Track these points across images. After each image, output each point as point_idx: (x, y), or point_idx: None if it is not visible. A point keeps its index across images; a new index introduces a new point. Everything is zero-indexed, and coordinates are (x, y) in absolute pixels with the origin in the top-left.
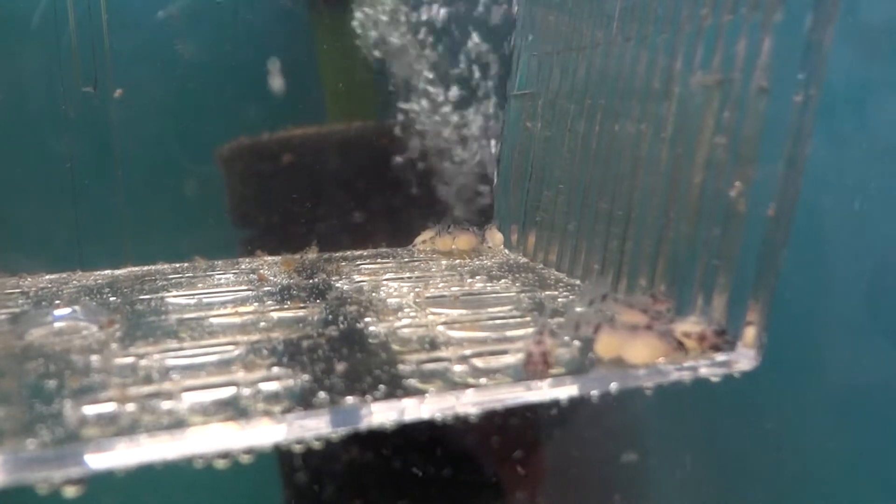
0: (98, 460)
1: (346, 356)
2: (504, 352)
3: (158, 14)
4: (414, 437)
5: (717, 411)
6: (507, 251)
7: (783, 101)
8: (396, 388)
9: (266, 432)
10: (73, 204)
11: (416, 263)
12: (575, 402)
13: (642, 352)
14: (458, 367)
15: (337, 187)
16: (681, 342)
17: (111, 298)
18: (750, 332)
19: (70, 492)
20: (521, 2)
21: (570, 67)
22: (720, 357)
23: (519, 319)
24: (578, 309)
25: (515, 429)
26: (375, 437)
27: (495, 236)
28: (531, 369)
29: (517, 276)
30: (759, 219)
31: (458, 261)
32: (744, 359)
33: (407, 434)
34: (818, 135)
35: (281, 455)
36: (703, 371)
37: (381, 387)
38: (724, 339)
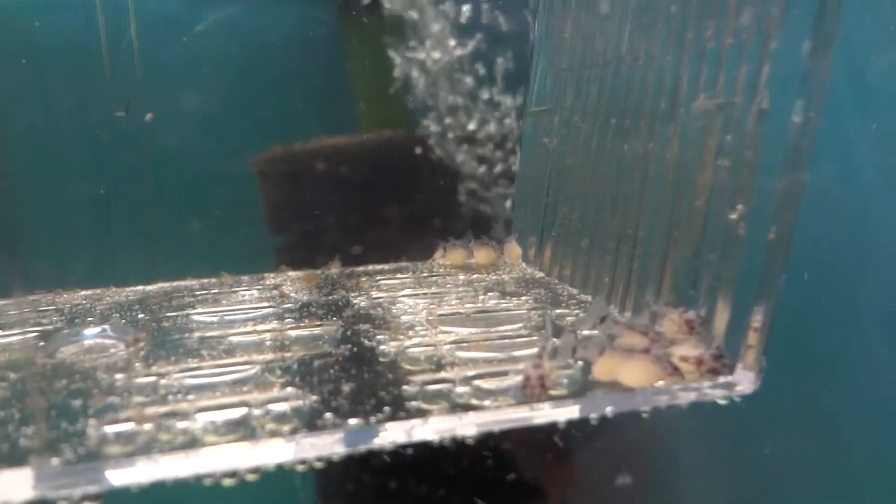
0: (117, 477)
1: (353, 376)
2: (507, 373)
3: (196, 28)
4: (423, 457)
5: (717, 434)
6: (524, 266)
7: (783, 124)
8: (399, 410)
9: (273, 452)
10: (108, 221)
11: (434, 279)
12: (572, 425)
13: (637, 375)
14: (460, 389)
15: (359, 198)
16: (676, 366)
17: (140, 315)
18: (749, 356)
19: None
20: (537, 18)
21: (583, 85)
22: (719, 381)
23: (527, 339)
24: (576, 332)
25: (510, 452)
26: (383, 457)
27: (513, 251)
28: (528, 392)
29: (531, 291)
30: (759, 243)
31: (475, 276)
32: (743, 382)
33: (416, 454)
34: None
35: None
36: (701, 395)
37: (386, 409)
38: (723, 362)
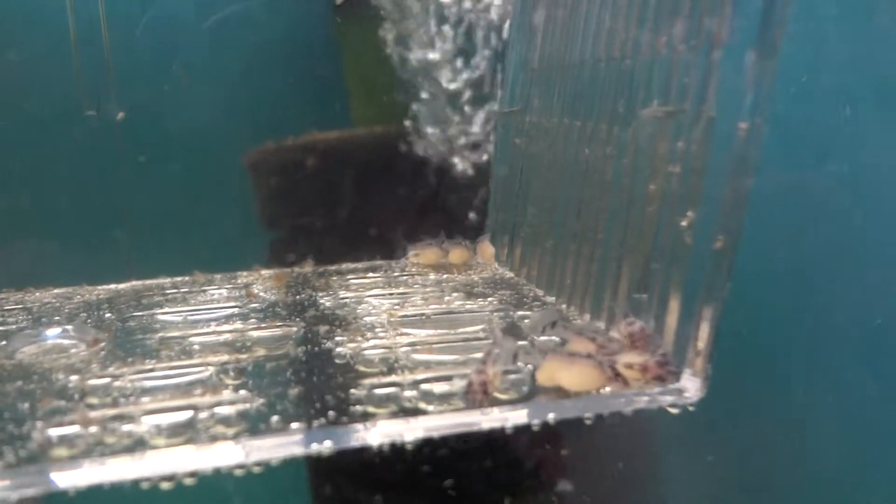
0: (57, 479)
1: (304, 379)
2: (453, 378)
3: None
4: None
5: (662, 443)
6: (496, 266)
7: (730, 132)
8: (342, 415)
9: (214, 456)
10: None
11: (405, 278)
12: (517, 431)
13: (576, 380)
14: (408, 393)
15: (344, 194)
16: (618, 372)
17: (107, 315)
18: (697, 363)
19: None
20: (513, 18)
21: (551, 86)
22: (663, 388)
23: (485, 342)
24: (522, 338)
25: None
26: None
27: (486, 250)
28: (470, 398)
29: (498, 292)
30: (706, 250)
31: (445, 275)
32: (688, 390)
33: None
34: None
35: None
36: (649, 402)
37: (330, 413)
38: (668, 369)
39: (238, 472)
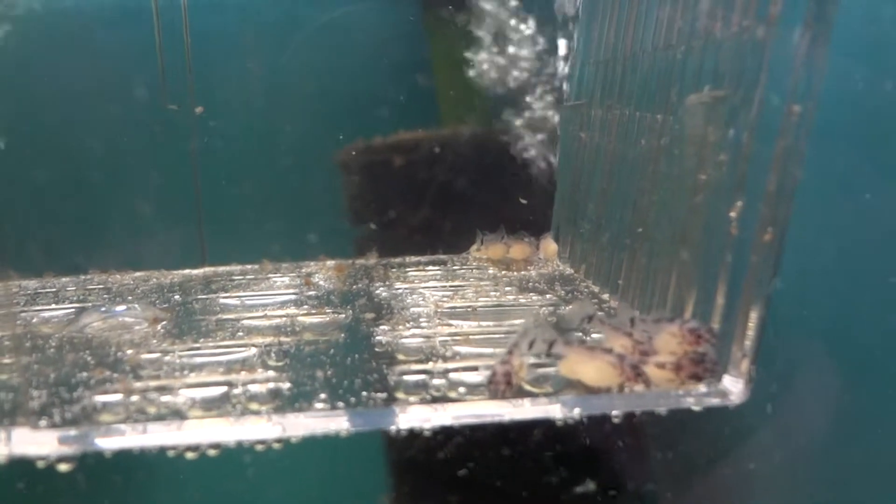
0: (97, 441)
1: (337, 363)
2: (479, 367)
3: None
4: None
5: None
6: (558, 262)
7: (778, 120)
8: (368, 399)
9: (239, 429)
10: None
11: (463, 272)
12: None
13: (593, 375)
14: (436, 381)
15: (428, 192)
16: (639, 371)
17: (175, 297)
18: (741, 364)
19: (63, 468)
20: (580, 10)
21: (612, 78)
22: (704, 389)
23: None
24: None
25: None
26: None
27: (549, 247)
28: (493, 388)
29: (553, 288)
30: (752, 243)
31: (503, 271)
32: (731, 392)
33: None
34: None
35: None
36: (683, 402)
37: (355, 396)
38: (704, 367)
39: (262, 447)
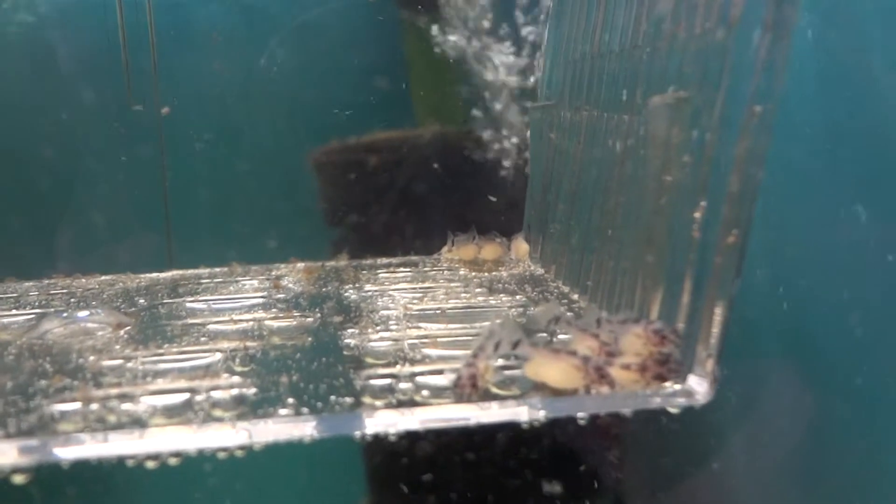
0: (62, 452)
1: (302, 368)
2: (444, 371)
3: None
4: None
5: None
6: (529, 263)
7: (742, 119)
8: (335, 404)
9: (202, 437)
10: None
11: (434, 273)
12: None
13: (556, 377)
14: (403, 385)
15: (401, 192)
16: (603, 374)
17: (140, 301)
18: (706, 364)
19: (18, 479)
20: (550, 11)
21: (580, 78)
22: (668, 388)
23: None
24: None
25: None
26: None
27: (520, 247)
28: (459, 391)
29: (524, 289)
30: (716, 245)
31: (473, 273)
32: (697, 392)
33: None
34: None
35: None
36: (648, 403)
37: (320, 402)
38: (669, 367)
39: (228, 455)
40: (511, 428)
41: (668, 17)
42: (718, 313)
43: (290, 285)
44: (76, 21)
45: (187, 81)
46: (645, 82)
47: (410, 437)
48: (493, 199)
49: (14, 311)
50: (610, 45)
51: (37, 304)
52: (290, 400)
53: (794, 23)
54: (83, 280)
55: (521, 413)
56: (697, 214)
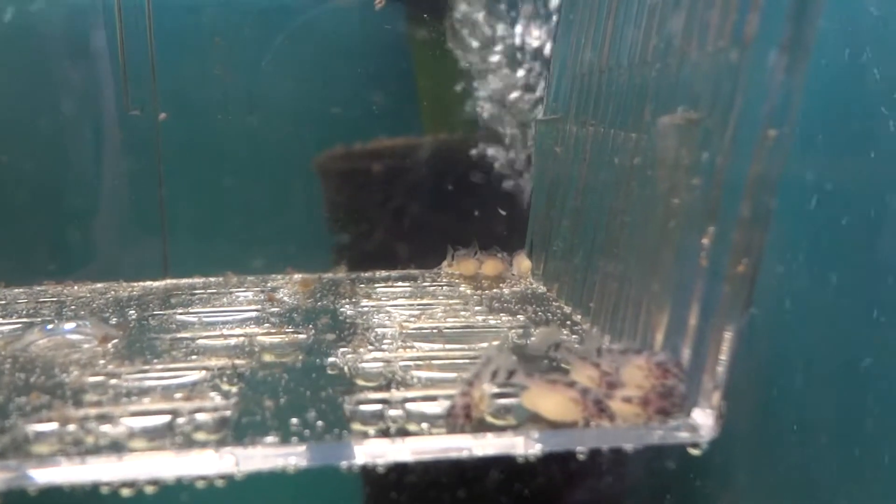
0: (26, 475)
1: (292, 390)
2: (438, 398)
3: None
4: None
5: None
6: (531, 280)
7: (752, 143)
8: (325, 432)
9: (181, 463)
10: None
11: (433, 289)
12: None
13: (553, 409)
14: (393, 412)
15: (404, 201)
16: (602, 407)
17: (130, 312)
18: (711, 397)
19: None
20: (557, 25)
21: (587, 93)
22: (672, 423)
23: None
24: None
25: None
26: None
27: (522, 263)
28: (451, 421)
29: (525, 309)
30: (725, 273)
31: (476, 288)
32: (702, 427)
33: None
34: None
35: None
36: (651, 438)
37: (308, 430)
38: (672, 401)
39: (209, 483)
40: (500, 461)
41: (680, 33)
42: (726, 344)
43: (286, 298)
44: (75, 23)
45: (187, 86)
46: (654, 100)
47: (401, 468)
48: (502, 212)
49: (0, 320)
50: (619, 60)
51: (24, 312)
52: (275, 425)
53: (812, 43)
54: (74, 288)
55: (517, 445)
56: (706, 241)
